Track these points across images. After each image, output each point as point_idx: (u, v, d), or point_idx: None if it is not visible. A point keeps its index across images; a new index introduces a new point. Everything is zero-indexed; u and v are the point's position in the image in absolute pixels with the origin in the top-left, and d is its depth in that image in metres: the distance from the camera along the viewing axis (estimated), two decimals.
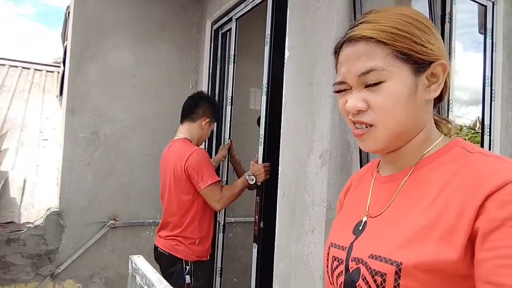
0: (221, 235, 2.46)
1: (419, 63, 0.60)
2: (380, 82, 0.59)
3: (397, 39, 0.59)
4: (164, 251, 1.99)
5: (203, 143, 2.51)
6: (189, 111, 2.14)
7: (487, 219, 0.49)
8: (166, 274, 1.94)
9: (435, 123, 0.66)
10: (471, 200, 0.51)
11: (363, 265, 0.59)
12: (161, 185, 2.13)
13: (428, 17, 1.68)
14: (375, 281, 0.56)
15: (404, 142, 0.63)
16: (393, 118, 0.60)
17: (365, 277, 0.58)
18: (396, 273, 0.54)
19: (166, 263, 2.00)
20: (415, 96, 0.60)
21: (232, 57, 2.50)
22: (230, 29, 2.55)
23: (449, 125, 0.67)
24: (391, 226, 0.60)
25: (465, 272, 0.51)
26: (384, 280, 0.55)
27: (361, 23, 0.62)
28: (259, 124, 2.10)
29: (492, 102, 2.09)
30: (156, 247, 2.07)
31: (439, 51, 0.61)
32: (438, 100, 0.65)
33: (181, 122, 2.17)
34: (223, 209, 2.43)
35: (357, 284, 0.59)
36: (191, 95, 2.27)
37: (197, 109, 2.12)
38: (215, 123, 2.32)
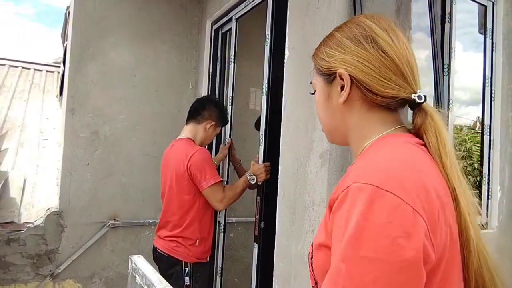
0: (221, 235, 2.46)
1: (326, 75, 0.69)
2: (314, 92, 0.75)
3: (314, 58, 0.75)
4: (163, 252, 1.99)
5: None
6: (195, 113, 2.14)
7: (331, 221, 0.58)
8: (165, 275, 1.93)
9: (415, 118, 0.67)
10: (332, 198, 0.60)
11: None
12: (162, 184, 2.12)
13: (428, 17, 1.68)
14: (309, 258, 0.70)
15: (344, 138, 0.73)
16: (321, 119, 0.76)
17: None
18: (312, 252, 0.67)
19: (166, 264, 1.99)
20: (330, 101, 0.70)
21: (232, 57, 2.50)
22: (230, 29, 2.55)
23: (419, 120, 0.65)
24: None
25: None
26: (308, 258, 0.70)
27: None
28: (257, 128, 2.09)
29: (492, 102, 2.09)
30: (155, 248, 2.07)
31: (340, 61, 0.66)
32: (378, 104, 0.65)
33: (187, 122, 2.16)
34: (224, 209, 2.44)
35: None
36: (200, 98, 2.28)
37: (203, 112, 2.11)
38: (221, 128, 2.28)
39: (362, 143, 0.67)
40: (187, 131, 2.12)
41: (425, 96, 0.63)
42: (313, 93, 0.76)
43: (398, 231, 0.49)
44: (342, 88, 0.66)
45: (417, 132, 0.65)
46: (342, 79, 0.65)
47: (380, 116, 0.66)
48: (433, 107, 0.65)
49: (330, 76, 0.68)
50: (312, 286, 0.71)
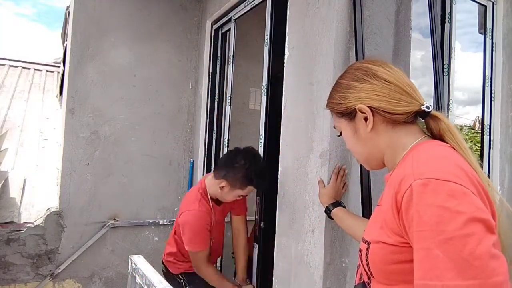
0: None
1: (346, 114, 0.83)
2: (341, 133, 0.90)
3: (329, 106, 0.89)
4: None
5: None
6: (218, 163, 1.88)
7: (405, 219, 0.64)
8: None
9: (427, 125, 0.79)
10: (392, 200, 0.67)
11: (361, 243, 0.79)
12: None
13: (428, 17, 1.68)
14: (360, 255, 0.76)
15: (380, 161, 0.84)
16: (355, 151, 0.88)
17: (360, 254, 0.77)
18: (367, 248, 0.73)
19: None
20: (358, 134, 0.83)
21: (231, 58, 2.50)
22: (230, 29, 2.55)
23: (434, 125, 0.78)
24: (372, 216, 0.82)
25: (398, 248, 0.67)
26: (361, 254, 0.76)
27: None
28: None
29: (492, 102, 2.09)
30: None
31: (355, 99, 0.80)
32: (399, 121, 0.78)
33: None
34: None
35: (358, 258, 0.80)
36: (238, 148, 1.84)
37: (222, 169, 1.78)
38: (250, 188, 1.79)
39: (400, 154, 0.78)
40: (209, 179, 1.86)
41: (431, 105, 0.76)
42: (340, 135, 0.91)
43: (471, 207, 0.59)
44: (366, 119, 0.79)
45: (435, 137, 0.77)
46: (363, 112, 0.79)
47: (405, 130, 0.79)
48: (439, 112, 0.77)
49: (351, 114, 0.82)
50: (364, 282, 0.79)
